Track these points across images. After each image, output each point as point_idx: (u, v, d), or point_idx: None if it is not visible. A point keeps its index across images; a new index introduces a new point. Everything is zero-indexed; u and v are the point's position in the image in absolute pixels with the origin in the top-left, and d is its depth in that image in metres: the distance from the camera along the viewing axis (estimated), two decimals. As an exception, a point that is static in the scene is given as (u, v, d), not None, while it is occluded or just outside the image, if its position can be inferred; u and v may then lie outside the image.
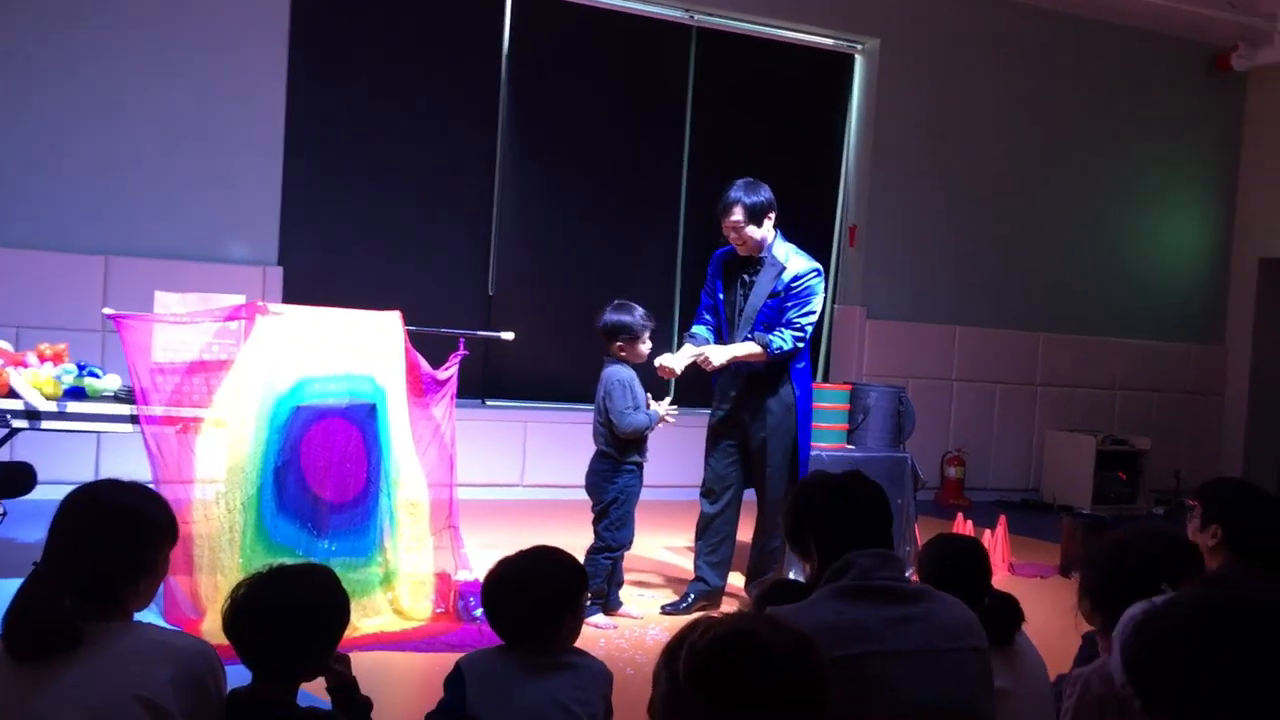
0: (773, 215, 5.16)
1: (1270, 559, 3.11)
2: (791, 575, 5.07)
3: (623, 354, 5.01)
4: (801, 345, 5.13)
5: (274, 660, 2.24)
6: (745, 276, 5.23)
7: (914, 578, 2.84)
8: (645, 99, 8.60)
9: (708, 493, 5.35)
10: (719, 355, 5.13)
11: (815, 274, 5.18)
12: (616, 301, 5.10)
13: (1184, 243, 10.38)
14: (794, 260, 5.17)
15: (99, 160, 6.95)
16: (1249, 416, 10.30)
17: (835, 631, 2.17)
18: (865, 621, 2.21)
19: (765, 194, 5.12)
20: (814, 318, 5.17)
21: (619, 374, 4.97)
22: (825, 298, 8.96)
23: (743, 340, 5.18)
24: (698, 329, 5.37)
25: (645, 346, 5.05)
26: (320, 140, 7.60)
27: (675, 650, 1.61)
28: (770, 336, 5.09)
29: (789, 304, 5.12)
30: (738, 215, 5.08)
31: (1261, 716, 1.51)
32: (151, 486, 3.51)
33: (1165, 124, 10.15)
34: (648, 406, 4.98)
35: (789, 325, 5.10)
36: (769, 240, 5.17)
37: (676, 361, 5.13)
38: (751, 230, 5.11)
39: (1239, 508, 3.22)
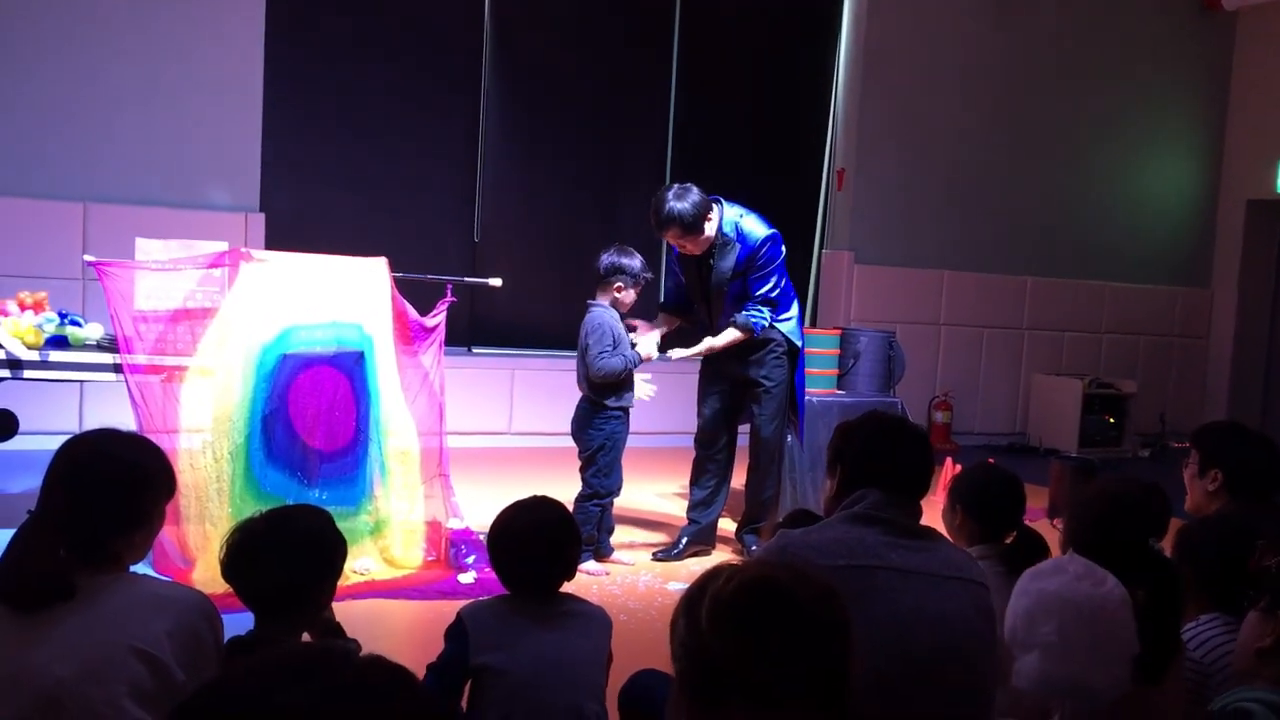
0: (711, 212, 5.01)
1: (1263, 497, 3.16)
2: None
3: (618, 293, 4.93)
4: (773, 314, 5.12)
5: (276, 596, 2.22)
6: (704, 261, 5.14)
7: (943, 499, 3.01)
8: (631, 40, 8.46)
9: (700, 439, 5.34)
10: (698, 348, 5.11)
11: (769, 241, 5.08)
12: (619, 245, 5.01)
13: (1171, 186, 10.34)
14: (746, 230, 5.06)
15: (77, 105, 6.79)
16: (1234, 359, 10.32)
17: (841, 544, 2.28)
18: (868, 540, 2.31)
19: (694, 197, 4.93)
20: (777, 287, 5.12)
21: (599, 317, 4.88)
22: (815, 243, 9.08)
23: (725, 320, 5.14)
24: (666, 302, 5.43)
25: (633, 295, 4.98)
26: (302, 84, 7.45)
27: (696, 598, 1.57)
28: (749, 317, 5.06)
29: (752, 279, 5.08)
30: (676, 232, 4.98)
31: None
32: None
33: (1154, 64, 10.07)
34: (632, 347, 4.92)
35: (759, 300, 5.08)
36: (714, 231, 5.05)
37: (651, 348, 5.03)
38: (694, 237, 5.01)
39: (1237, 451, 3.23)
